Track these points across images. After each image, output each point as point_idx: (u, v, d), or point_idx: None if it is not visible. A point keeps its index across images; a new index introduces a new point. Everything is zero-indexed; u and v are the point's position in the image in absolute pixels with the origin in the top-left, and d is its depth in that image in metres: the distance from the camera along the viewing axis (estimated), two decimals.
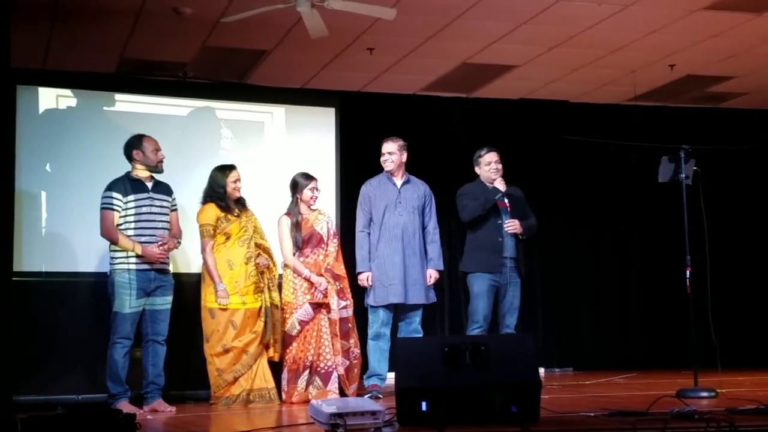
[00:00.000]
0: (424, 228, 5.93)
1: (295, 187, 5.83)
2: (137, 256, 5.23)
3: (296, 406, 5.40)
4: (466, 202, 5.94)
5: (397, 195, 5.90)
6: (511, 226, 5.85)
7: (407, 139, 6.24)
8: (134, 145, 5.41)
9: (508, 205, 5.92)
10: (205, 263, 5.58)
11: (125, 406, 4.98)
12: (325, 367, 5.65)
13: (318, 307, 5.69)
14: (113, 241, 5.25)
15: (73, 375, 5.97)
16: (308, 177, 5.83)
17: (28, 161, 6.25)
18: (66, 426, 3.45)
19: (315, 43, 5.96)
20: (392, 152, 5.92)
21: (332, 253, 5.79)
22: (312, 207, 5.86)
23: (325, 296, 5.67)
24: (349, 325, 5.73)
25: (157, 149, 5.42)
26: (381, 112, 7.65)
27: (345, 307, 5.71)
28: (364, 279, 5.80)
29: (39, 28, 5.93)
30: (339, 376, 5.66)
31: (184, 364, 5.79)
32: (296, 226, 5.76)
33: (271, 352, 5.63)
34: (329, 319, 5.69)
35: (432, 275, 5.90)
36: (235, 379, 5.49)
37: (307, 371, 5.62)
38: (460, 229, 6.37)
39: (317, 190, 5.83)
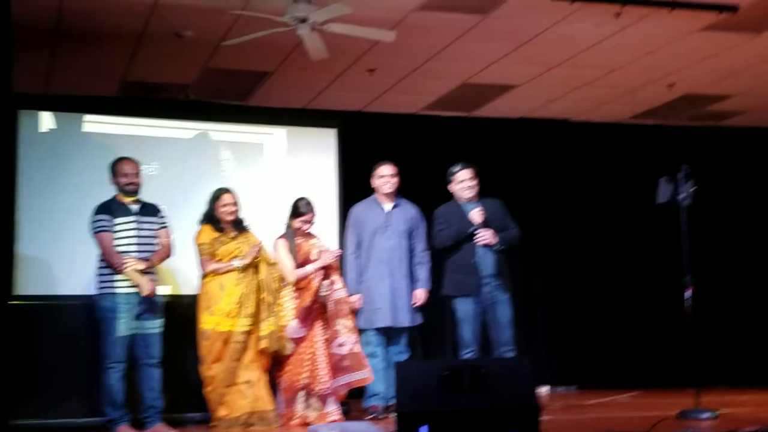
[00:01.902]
0: (412, 251, 5.94)
1: (291, 213, 5.82)
2: (123, 279, 5.20)
3: (296, 428, 5.38)
4: (440, 228, 5.84)
5: (385, 219, 5.92)
6: (483, 237, 5.68)
7: (408, 158, 6.26)
8: (111, 171, 5.41)
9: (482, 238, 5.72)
10: (213, 273, 5.55)
11: (125, 431, 4.96)
12: (323, 389, 5.62)
13: (311, 323, 5.64)
14: (117, 268, 5.21)
15: (74, 398, 5.95)
16: (306, 207, 5.75)
17: (28, 185, 6.26)
18: None
19: (316, 65, 5.99)
20: (393, 174, 5.94)
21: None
22: (306, 231, 5.85)
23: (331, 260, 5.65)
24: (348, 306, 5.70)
25: (127, 173, 5.35)
26: (382, 132, 7.68)
27: (341, 288, 5.68)
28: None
29: (40, 52, 5.98)
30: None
31: (184, 387, 5.79)
32: (291, 250, 5.75)
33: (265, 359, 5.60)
34: (336, 300, 5.65)
35: (419, 296, 5.90)
36: (227, 387, 5.47)
37: (302, 393, 5.59)
38: None
39: (308, 223, 5.77)
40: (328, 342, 5.66)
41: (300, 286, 5.67)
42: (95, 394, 5.35)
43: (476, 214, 5.74)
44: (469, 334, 5.75)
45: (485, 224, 5.73)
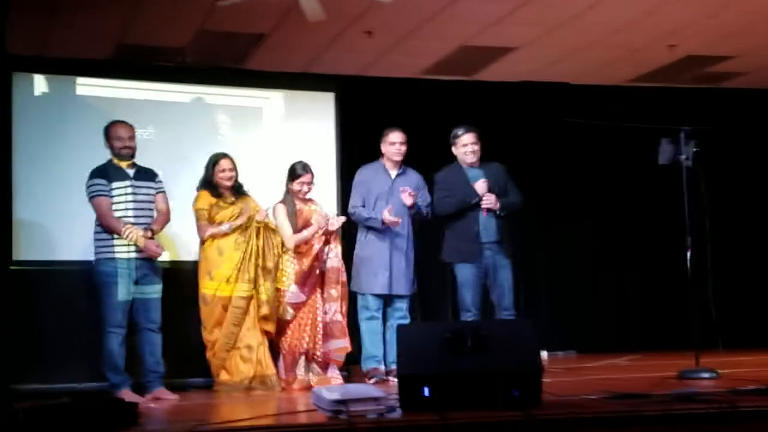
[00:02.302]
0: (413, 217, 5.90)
1: (289, 176, 5.79)
2: (122, 243, 5.18)
3: (297, 393, 5.40)
4: (441, 196, 5.82)
5: (390, 186, 5.88)
6: (488, 201, 5.69)
7: (407, 123, 6.21)
8: (105, 135, 5.35)
9: (485, 210, 5.73)
10: (211, 237, 5.53)
11: (127, 395, 4.96)
12: (322, 355, 5.65)
13: (312, 289, 5.65)
14: (116, 232, 5.19)
15: (75, 363, 5.96)
16: (303, 169, 5.76)
17: (24, 149, 6.22)
18: (69, 415, 3.44)
19: (313, 27, 5.92)
20: (403, 142, 5.90)
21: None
22: (306, 197, 5.83)
23: (328, 225, 5.65)
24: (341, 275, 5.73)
25: (121, 136, 5.29)
26: (381, 96, 7.62)
27: (335, 257, 5.70)
28: (387, 215, 5.70)
29: (35, 14, 5.89)
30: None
31: (186, 352, 5.80)
32: (291, 215, 5.73)
33: (269, 325, 5.60)
34: (327, 268, 5.66)
35: (408, 191, 5.76)
36: (228, 351, 5.48)
37: (302, 358, 5.62)
38: None
39: (308, 185, 5.76)
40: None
41: (300, 251, 5.67)
42: (96, 359, 5.35)
43: (481, 186, 5.70)
44: (469, 298, 5.75)
45: (489, 191, 5.72)
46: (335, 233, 5.77)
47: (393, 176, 5.92)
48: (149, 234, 5.26)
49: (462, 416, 3.56)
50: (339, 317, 5.67)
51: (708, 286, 5.47)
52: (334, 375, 5.64)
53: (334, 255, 5.72)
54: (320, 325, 5.67)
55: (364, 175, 5.97)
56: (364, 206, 5.88)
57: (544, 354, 7.40)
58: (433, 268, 6.43)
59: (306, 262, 5.64)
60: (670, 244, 7.24)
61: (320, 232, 5.66)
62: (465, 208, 5.74)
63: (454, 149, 5.92)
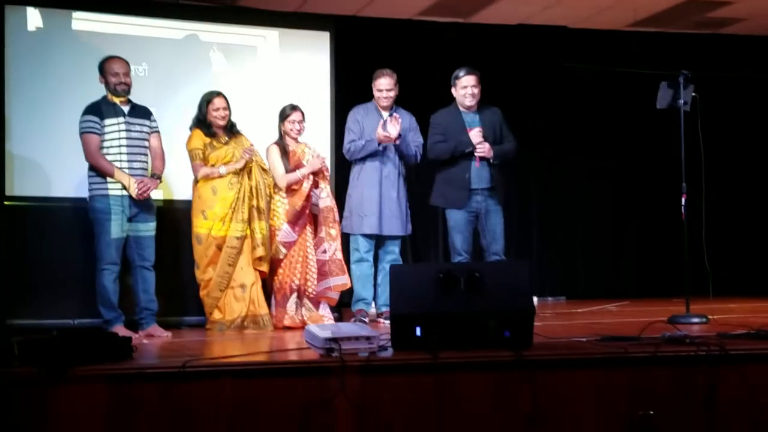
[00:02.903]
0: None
1: (280, 117, 5.78)
2: (114, 181, 5.14)
3: (289, 331, 5.44)
4: (436, 140, 5.78)
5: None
6: (481, 151, 5.66)
7: (403, 65, 6.15)
8: (100, 70, 5.28)
9: (478, 159, 5.70)
10: (204, 178, 5.51)
11: (121, 330, 4.99)
12: (314, 292, 5.68)
13: (302, 228, 5.66)
14: (105, 172, 5.15)
15: (69, 300, 5.96)
16: (292, 108, 5.76)
17: (17, 85, 6.13)
18: (63, 348, 3.45)
19: None
20: (390, 89, 5.85)
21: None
22: (298, 140, 5.81)
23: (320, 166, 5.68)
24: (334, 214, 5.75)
25: (117, 72, 5.21)
26: (377, 37, 7.54)
27: (327, 197, 5.71)
28: (380, 131, 5.69)
29: None
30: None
31: (179, 290, 5.82)
32: (284, 155, 5.72)
33: (264, 266, 5.62)
34: (322, 208, 5.67)
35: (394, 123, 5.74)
36: (222, 290, 5.49)
37: (294, 294, 5.65)
38: None
39: (299, 123, 5.74)
40: (316, 247, 5.70)
41: (292, 188, 5.68)
42: (90, 296, 5.36)
43: (476, 135, 5.66)
44: (459, 242, 5.76)
45: (483, 139, 5.68)
46: (323, 173, 5.76)
47: (385, 117, 5.89)
48: (158, 181, 5.28)
49: (453, 355, 3.59)
50: (339, 255, 5.69)
51: (702, 233, 5.49)
52: (326, 313, 5.69)
53: (326, 195, 5.73)
54: (312, 262, 5.69)
55: (356, 114, 5.95)
56: None
57: (534, 299, 7.47)
58: (423, 211, 6.42)
59: (298, 201, 5.65)
60: (664, 189, 7.27)
61: (318, 162, 5.68)
62: (458, 156, 5.71)
63: (453, 91, 5.87)
